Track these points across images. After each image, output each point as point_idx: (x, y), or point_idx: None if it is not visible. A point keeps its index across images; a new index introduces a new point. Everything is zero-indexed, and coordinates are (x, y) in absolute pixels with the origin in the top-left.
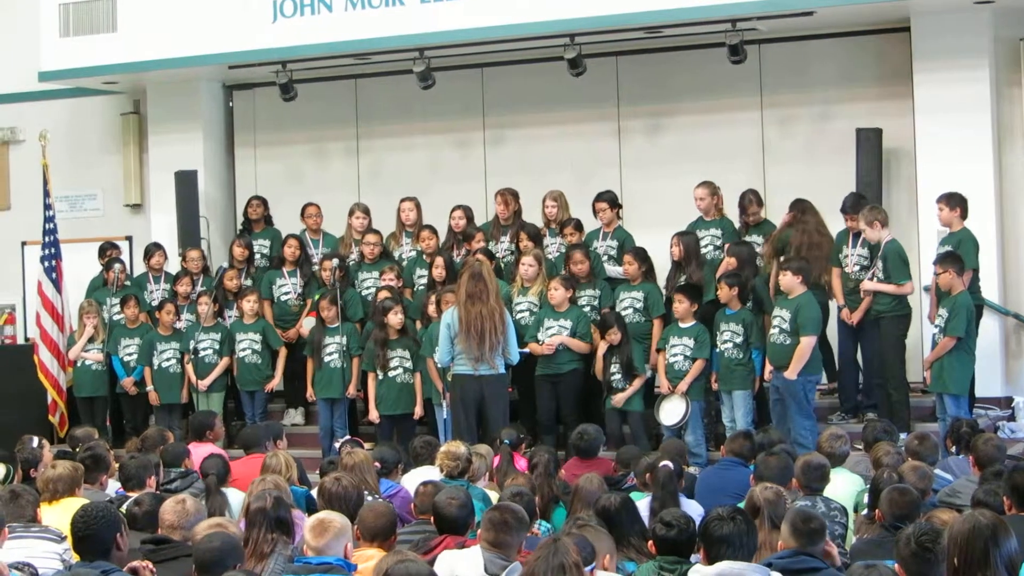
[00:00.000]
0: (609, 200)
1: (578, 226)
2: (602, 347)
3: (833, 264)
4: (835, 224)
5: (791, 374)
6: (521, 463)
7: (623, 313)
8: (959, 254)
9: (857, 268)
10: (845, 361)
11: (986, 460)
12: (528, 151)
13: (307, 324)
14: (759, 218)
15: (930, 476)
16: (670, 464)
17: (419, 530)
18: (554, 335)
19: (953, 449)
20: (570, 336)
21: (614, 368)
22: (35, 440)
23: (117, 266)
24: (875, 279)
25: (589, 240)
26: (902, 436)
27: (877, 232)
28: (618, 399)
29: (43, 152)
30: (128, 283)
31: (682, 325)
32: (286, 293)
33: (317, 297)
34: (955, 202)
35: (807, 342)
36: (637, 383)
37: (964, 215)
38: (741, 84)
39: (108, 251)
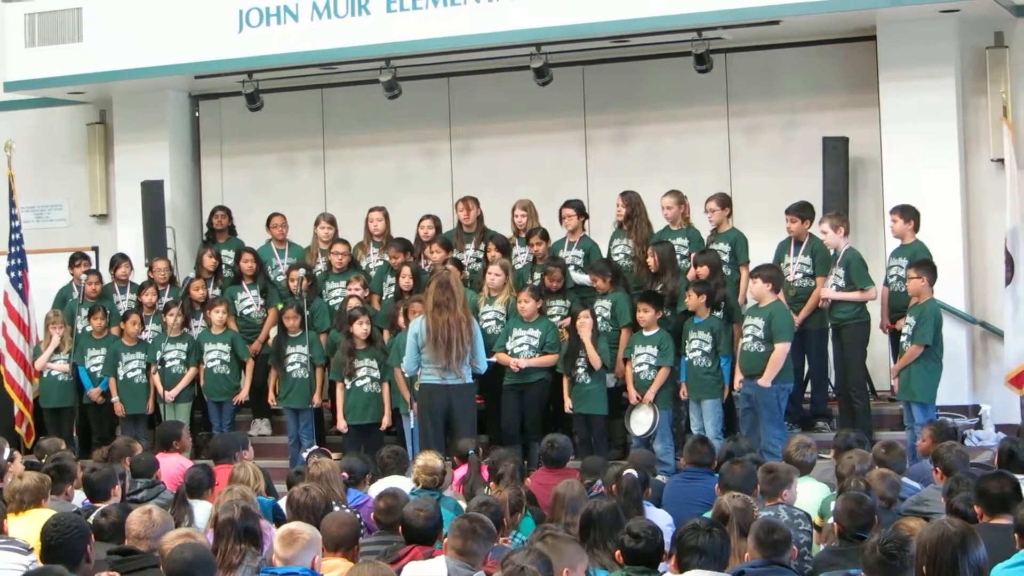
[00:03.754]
0: (577, 208)
1: (544, 235)
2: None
3: None
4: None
5: (765, 381)
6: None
7: None
8: (934, 263)
9: (800, 276)
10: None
11: (950, 468)
12: (495, 160)
13: (274, 334)
14: (725, 225)
15: (898, 485)
16: (634, 472)
17: (385, 540)
18: (522, 345)
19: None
20: (539, 345)
21: (579, 363)
22: (7, 451)
23: (93, 277)
24: (834, 287)
25: (555, 249)
26: None
27: (838, 238)
28: (569, 402)
29: (8, 162)
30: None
31: (646, 333)
32: (248, 307)
33: (281, 307)
34: (909, 215)
35: (782, 349)
36: (592, 354)
37: (917, 228)
38: (707, 93)
39: (78, 261)
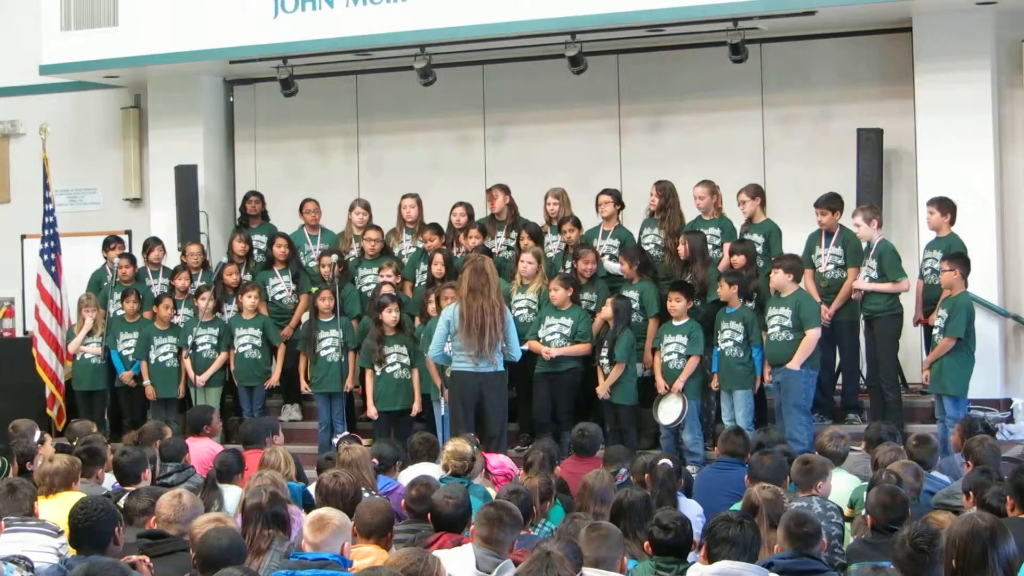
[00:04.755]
0: (614, 196)
1: (576, 223)
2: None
3: (805, 265)
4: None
5: (794, 364)
6: (492, 461)
7: None
8: (967, 256)
9: (831, 267)
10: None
11: (981, 462)
12: (528, 149)
13: (305, 319)
14: (759, 215)
15: (921, 474)
16: (669, 462)
17: (415, 528)
18: (554, 333)
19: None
20: (571, 334)
21: (604, 352)
22: (37, 434)
23: (126, 261)
24: (867, 279)
25: (589, 237)
26: None
27: (872, 231)
28: (600, 390)
29: (43, 145)
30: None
31: (676, 323)
32: (280, 292)
33: (315, 290)
34: (946, 207)
35: (813, 334)
36: (615, 372)
37: (953, 221)
38: (742, 83)
39: (111, 245)
